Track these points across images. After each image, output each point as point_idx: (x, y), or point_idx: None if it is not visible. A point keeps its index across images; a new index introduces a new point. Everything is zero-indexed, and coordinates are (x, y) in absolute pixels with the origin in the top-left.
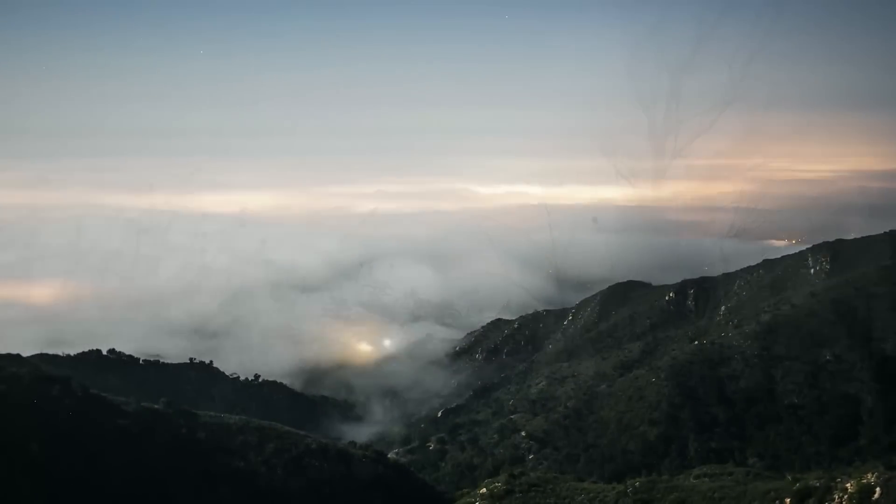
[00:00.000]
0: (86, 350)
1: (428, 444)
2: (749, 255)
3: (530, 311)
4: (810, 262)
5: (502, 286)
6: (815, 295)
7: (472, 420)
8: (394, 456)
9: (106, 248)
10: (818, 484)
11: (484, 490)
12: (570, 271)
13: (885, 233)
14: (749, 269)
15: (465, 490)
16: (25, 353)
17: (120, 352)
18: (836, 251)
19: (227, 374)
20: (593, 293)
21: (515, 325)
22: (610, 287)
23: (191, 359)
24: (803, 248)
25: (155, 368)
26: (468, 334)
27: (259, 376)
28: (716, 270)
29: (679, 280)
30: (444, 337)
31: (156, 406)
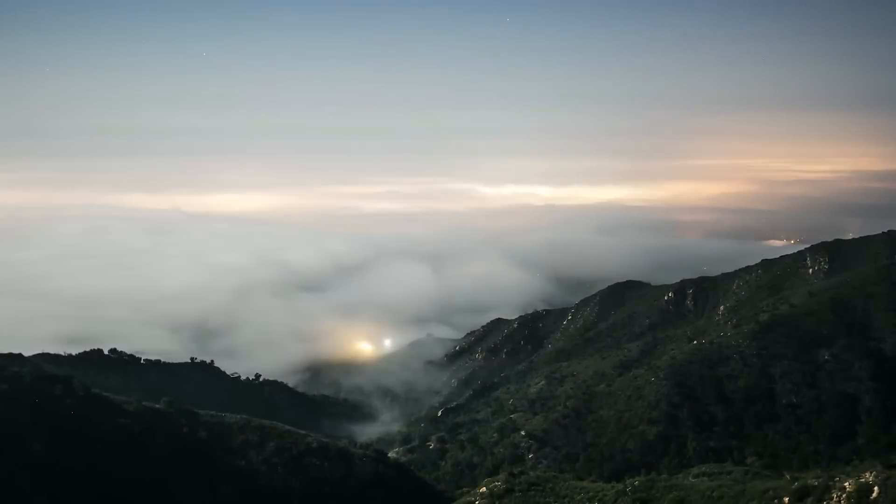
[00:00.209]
0: (87, 350)
1: (428, 443)
2: (748, 255)
3: (530, 311)
4: (808, 262)
5: (503, 286)
6: (813, 295)
7: (471, 419)
8: (394, 455)
9: (107, 249)
10: (816, 483)
11: (484, 489)
12: (569, 271)
13: (883, 233)
14: (748, 269)
15: (465, 489)
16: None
17: (121, 351)
18: (834, 251)
19: (227, 373)
20: (593, 293)
21: (515, 325)
22: (609, 287)
23: (192, 358)
24: (802, 248)
25: (156, 368)
26: (468, 334)
27: (260, 376)
28: (714, 270)
29: (678, 280)
30: (445, 336)
31: (157, 405)
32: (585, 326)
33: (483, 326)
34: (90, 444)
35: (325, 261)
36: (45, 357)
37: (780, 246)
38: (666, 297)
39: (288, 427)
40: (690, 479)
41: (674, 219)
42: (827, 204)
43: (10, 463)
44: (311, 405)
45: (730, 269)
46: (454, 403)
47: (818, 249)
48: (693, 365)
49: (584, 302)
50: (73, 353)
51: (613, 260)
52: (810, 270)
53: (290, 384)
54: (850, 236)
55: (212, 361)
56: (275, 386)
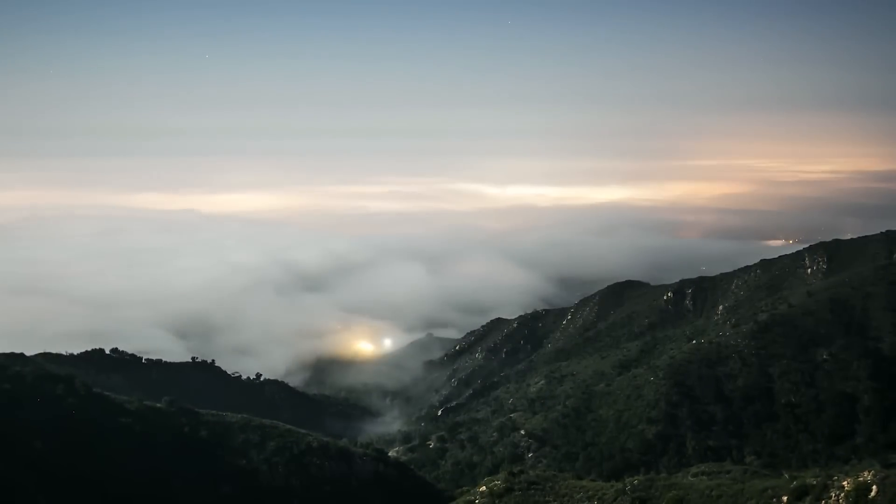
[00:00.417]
0: (89, 349)
1: (428, 443)
2: (746, 255)
3: (530, 311)
4: (807, 262)
5: (503, 286)
6: (811, 294)
7: (471, 418)
8: (394, 454)
9: (116, 248)
10: (815, 482)
11: (483, 488)
12: (569, 271)
13: (881, 233)
14: (746, 269)
15: (465, 488)
16: (45, 349)
17: (122, 351)
18: (832, 251)
19: (228, 372)
20: (592, 293)
21: (515, 325)
22: (609, 287)
23: (193, 358)
24: (800, 248)
25: (157, 367)
26: (468, 333)
27: (261, 375)
28: (713, 270)
29: (677, 280)
30: (445, 336)
31: (158, 405)
32: (585, 326)
33: (483, 326)
34: (92, 443)
35: (327, 260)
36: (46, 356)
37: (778, 246)
38: (665, 297)
39: (289, 426)
40: (689, 478)
41: (673, 219)
42: (825, 204)
43: (11, 462)
44: (311, 404)
45: (729, 269)
46: (454, 403)
47: (817, 249)
48: (692, 364)
49: (584, 302)
50: (75, 353)
51: (613, 260)
52: (809, 270)
53: (292, 384)
54: (848, 236)
55: (213, 361)
56: (276, 385)
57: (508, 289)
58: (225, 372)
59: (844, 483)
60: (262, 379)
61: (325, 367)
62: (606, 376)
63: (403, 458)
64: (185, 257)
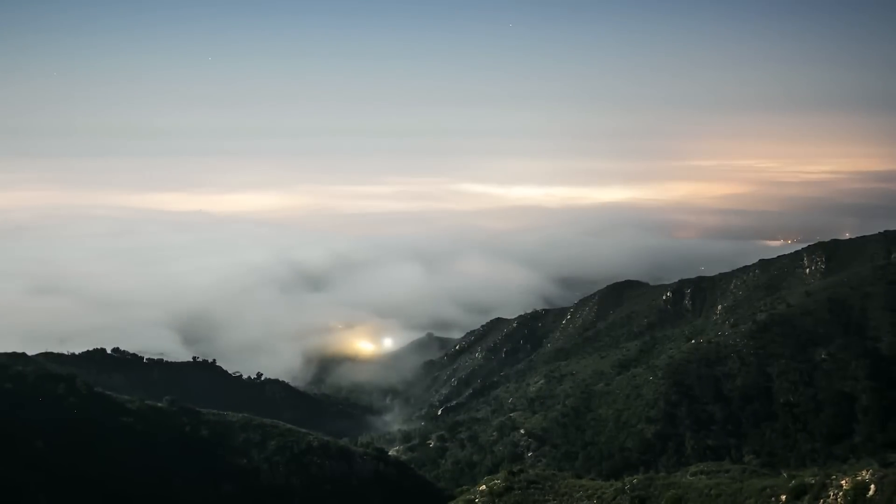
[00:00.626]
0: (90, 349)
1: (428, 442)
2: (745, 255)
3: (529, 311)
4: (806, 262)
5: (503, 285)
6: (810, 294)
7: (471, 418)
8: (394, 453)
9: (117, 248)
10: (813, 481)
11: (483, 487)
12: (568, 271)
13: (879, 233)
14: (745, 269)
15: (465, 487)
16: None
17: (124, 350)
18: (831, 251)
19: (229, 372)
20: (592, 293)
21: (515, 325)
22: (608, 287)
23: (194, 357)
24: (799, 248)
25: (159, 367)
26: (468, 333)
27: (261, 375)
28: (712, 270)
29: (676, 280)
30: (445, 336)
31: (159, 404)
32: (584, 326)
33: (483, 326)
34: (93, 442)
35: (328, 260)
36: (48, 356)
37: (777, 246)
38: (664, 297)
39: (289, 426)
40: (688, 477)
41: (672, 219)
42: (824, 204)
43: (13, 461)
44: (312, 404)
45: (727, 269)
46: (454, 402)
47: (815, 249)
48: (691, 364)
49: (583, 301)
50: (77, 353)
51: (612, 260)
52: (807, 270)
53: (292, 383)
54: (846, 236)
55: (214, 361)
56: (276, 385)
57: (508, 288)
58: (226, 371)
59: (843, 482)
60: (262, 378)
61: (325, 366)
62: (606, 376)
63: (403, 457)
64: (189, 257)
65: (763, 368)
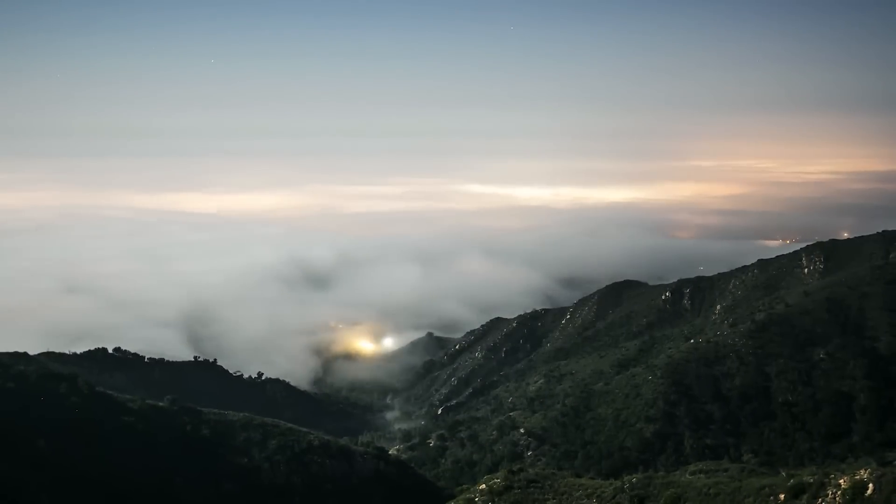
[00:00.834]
0: (92, 348)
1: (428, 441)
2: (744, 255)
3: (529, 311)
4: (804, 262)
5: (502, 285)
6: (808, 294)
7: (471, 417)
8: (394, 452)
9: (128, 248)
10: (812, 480)
11: (483, 486)
12: (568, 271)
13: (877, 233)
14: (744, 269)
15: (465, 486)
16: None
17: (125, 350)
18: (829, 251)
19: (230, 371)
20: (591, 293)
21: (514, 324)
22: (607, 286)
23: (195, 357)
24: (797, 248)
25: (160, 367)
26: (468, 333)
27: (262, 374)
28: (711, 270)
29: (675, 280)
30: (445, 335)
31: (160, 403)
32: (584, 325)
33: (483, 325)
34: (94, 441)
35: (329, 260)
36: (50, 355)
37: (775, 246)
38: (663, 297)
39: (290, 425)
40: (687, 476)
41: (671, 219)
42: (822, 204)
43: (15, 461)
44: (312, 403)
45: (726, 269)
46: (454, 401)
47: (813, 249)
48: (690, 363)
49: (583, 301)
50: (78, 352)
51: (611, 260)
52: (806, 270)
53: (292, 382)
54: (844, 236)
55: (215, 360)
56: (277, 384)
57: (508, 288)
58: (227, 371)
59: (841, 481)
60: (263, 378)
61: (326, 365)
62: (605, 375)
63: (404, 456)
64: (198, 257)
65: (761, 368)
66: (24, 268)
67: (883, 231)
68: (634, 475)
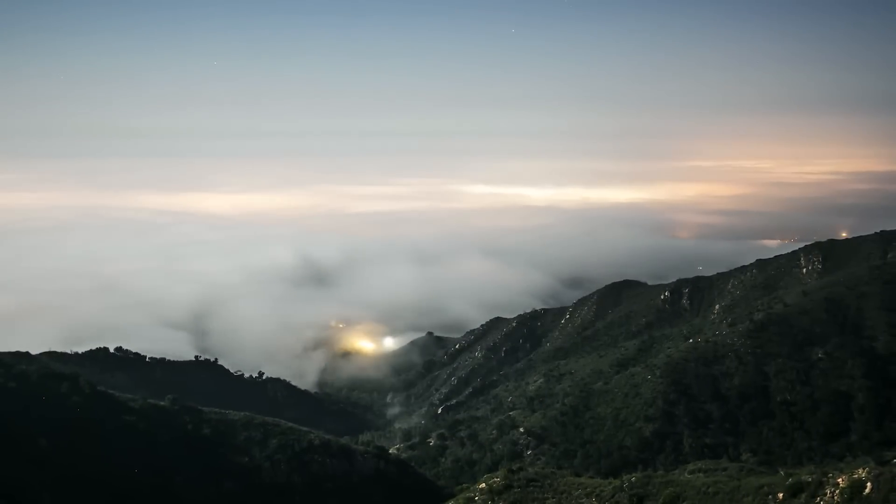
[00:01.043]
0: (93, 348)
1: (428, 440)
2: (743, 255)
3: (529, 310)
4: (802, 262)
5: (502, 285)
6: (807, 294)
7: (471, 416)
8: (395, 451)
9: (114, 249)
10: (810, 479)
11: (483, 485)
12: (567, 270)
13: (875, 233)
14: (742, 269)
15: (465, 485)
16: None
17: (127, 349)
18: (827, 251)
19: (231, 371)
20: (590, 292)
21: (514, 324)
22: (607, 286)
23: (196, 356)
24: (796, 247)
25: (161, 366)
26: (468, 332)
27: (263, 374)
28: (710, 270)
29: (674, 279)
30: (445, 335)
31: (162, 403)
32: (583, 325)
33: (482, 325)
34: (96, 440)
35: (329, 260)
36: (51, 355)
37: (774, 246)
38: (662, 297)
39: (290, 424)
40: (686, 475)
41: (670, 219)
42: (822, 204)
43: (17, 460)
44: (313, 402)
45: (725, 269)
46: (454, 401)
47: (812, 249)
48: (689, 363)
49: (582, 301)
50: (80, 352)
51: (611, 260)
52: (804, 270)
53: (294, 381)
54: (843, 236)
55: (216, 360)
56: (277, 383)
57: (508, 288)
58: (228, 370)
59: (839, 480)
60: (264, 377)
61: (326, 365)
62: (604, 375)
63: (404, 455)
64: (205, 256)
65: (760, 367)
66: (40, 266)
67: (881, 231)
68: (633, 474)
